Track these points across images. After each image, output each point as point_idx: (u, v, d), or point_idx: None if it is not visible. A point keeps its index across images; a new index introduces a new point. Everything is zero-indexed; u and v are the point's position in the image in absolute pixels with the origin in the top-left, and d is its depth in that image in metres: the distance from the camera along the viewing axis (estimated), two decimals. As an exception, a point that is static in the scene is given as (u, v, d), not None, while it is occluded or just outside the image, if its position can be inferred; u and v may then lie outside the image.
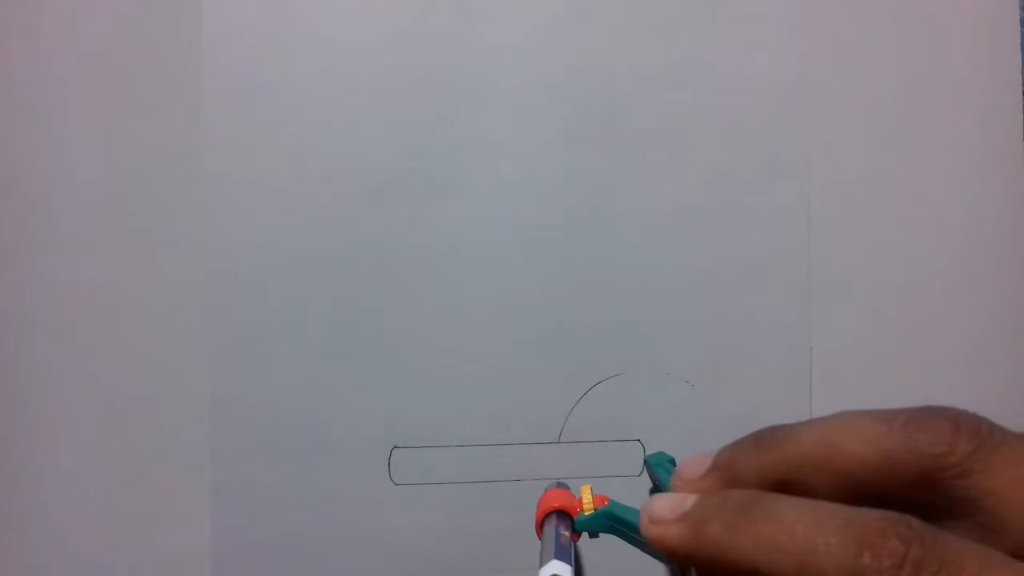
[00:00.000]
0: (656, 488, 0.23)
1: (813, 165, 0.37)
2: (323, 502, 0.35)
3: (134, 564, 0.34)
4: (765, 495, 0.17)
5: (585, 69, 0.36)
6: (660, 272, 0.36)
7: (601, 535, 0.25)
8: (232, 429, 0.34)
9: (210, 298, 0.35)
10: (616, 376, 0.36)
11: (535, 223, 0.36)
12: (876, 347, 0.37)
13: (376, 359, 0.35)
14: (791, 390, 0.36)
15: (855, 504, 0.16)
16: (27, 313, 0.34)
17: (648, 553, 0.22)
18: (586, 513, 0.24)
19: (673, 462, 0.31)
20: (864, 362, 0.37)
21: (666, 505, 0.19)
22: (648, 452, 0.34)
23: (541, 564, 0.21)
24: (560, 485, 0.26)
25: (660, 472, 0.29)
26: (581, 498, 0.25)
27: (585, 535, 0.25)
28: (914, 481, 0.17)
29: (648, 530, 0.19)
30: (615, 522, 0.24)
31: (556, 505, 0.25)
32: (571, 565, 0.21)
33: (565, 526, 0.23)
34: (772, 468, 0.18)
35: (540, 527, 0.25)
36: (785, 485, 0.18)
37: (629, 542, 0.24)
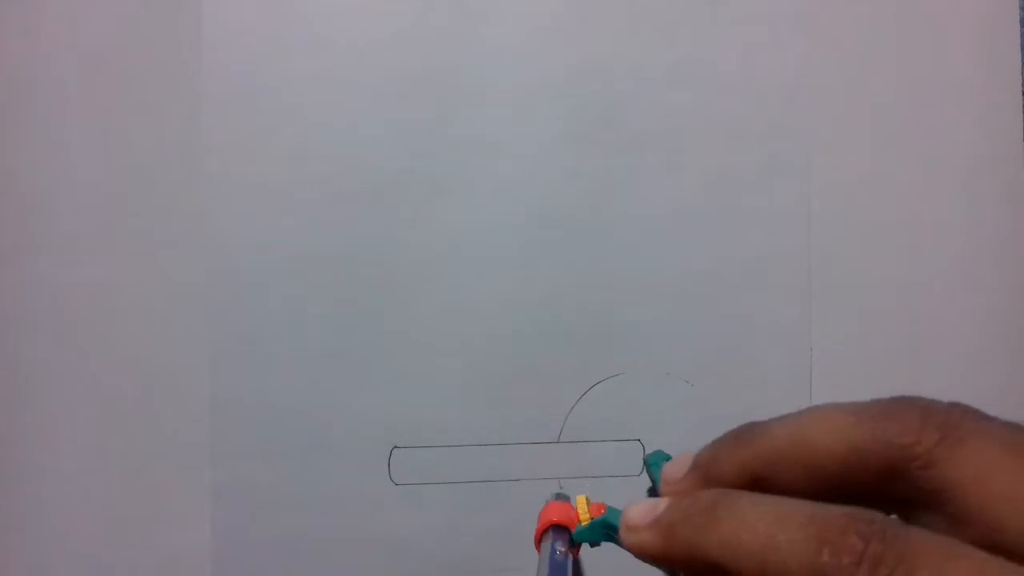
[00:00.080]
0: (654, 488, 0.23)
1: (813, 165, 0.37)
2: (323, 502, 0.35)
3: (134, 564, 0.34)
4: (731, 493, 0.17)
5: (585, 69, 0.36)
6: (660, 272, 0.36)
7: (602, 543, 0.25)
8: (232, 429, 0.34)
9: (210, 298, 0.35)
10: (616, 376, 0.36)
11: (535, 223, 0.36)
12: (876, 347, 0.37)
13: (376, 359, 0.35)
14: (791, 390, 0.36)
15: (828, 498, 0.16)
16: (27, 313, 0.34)
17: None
18: (582, 524, 0.24)
19: (671, 461, 0.31)
20: (864, 362, 0.37)
21: (639, 511, 0.19)
22: (647, 452, 0.34)
23: None
24: (560, 496, 0.26)
25: (657, 472, 0.29)
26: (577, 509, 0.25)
27: (586, 545, 0.24)
28: (882, 473, 0.16)
29: (626, 538, 0.19)
30: (611, 530, 0.24)
31: (553, 519, 0.24)
32: None
33: (562, 541, 0.23)
34: (749, 465, 0.18)
35: (539, 543, 0.24)
36: (762, 481, 0.18)
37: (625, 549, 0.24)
